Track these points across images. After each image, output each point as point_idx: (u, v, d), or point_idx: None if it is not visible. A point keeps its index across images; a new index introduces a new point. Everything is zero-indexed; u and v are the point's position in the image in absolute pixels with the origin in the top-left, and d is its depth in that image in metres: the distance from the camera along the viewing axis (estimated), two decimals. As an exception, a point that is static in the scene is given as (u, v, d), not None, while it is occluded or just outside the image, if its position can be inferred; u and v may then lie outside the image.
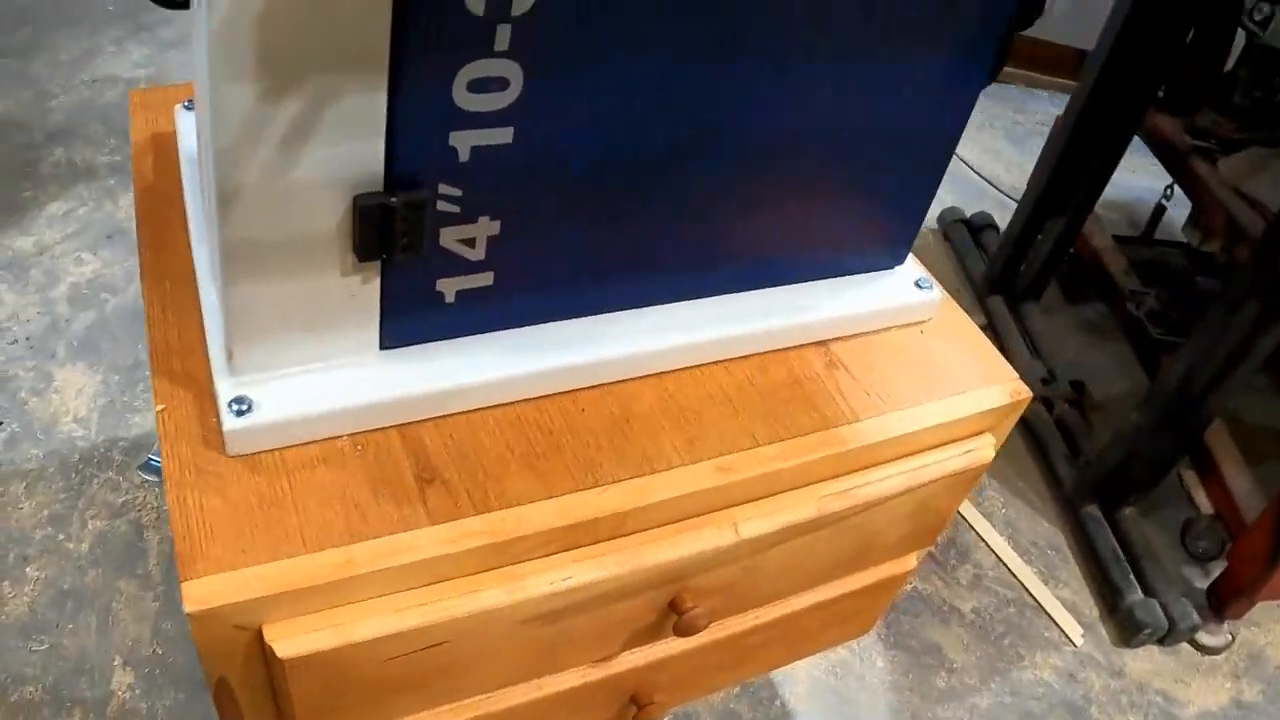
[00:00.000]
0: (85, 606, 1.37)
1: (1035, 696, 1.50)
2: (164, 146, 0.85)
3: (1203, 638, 1.61)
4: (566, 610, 0.68)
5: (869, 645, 1.50)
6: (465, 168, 0.58)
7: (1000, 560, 1.66)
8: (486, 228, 0.62)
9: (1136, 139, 1.87)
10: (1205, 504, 1.72)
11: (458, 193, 0.59)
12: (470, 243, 0.62)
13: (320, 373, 0.66)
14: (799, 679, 1.45)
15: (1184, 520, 1.73)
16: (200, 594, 0.57)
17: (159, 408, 0.66)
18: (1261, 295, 1.41)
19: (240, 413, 0.63)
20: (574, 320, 0.72)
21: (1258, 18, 1.69)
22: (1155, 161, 1.96)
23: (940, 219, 2.32)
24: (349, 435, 0.66)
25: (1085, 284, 2.13)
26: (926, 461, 0.79)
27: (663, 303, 0.75)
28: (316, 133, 0.53)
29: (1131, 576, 1.62)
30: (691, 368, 0.75)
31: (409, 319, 0.66)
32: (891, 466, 0.77)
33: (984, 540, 1.69)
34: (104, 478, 1.52)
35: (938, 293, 0.85)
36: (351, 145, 0.54)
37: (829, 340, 0.81)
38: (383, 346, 0.67)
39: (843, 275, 0.82)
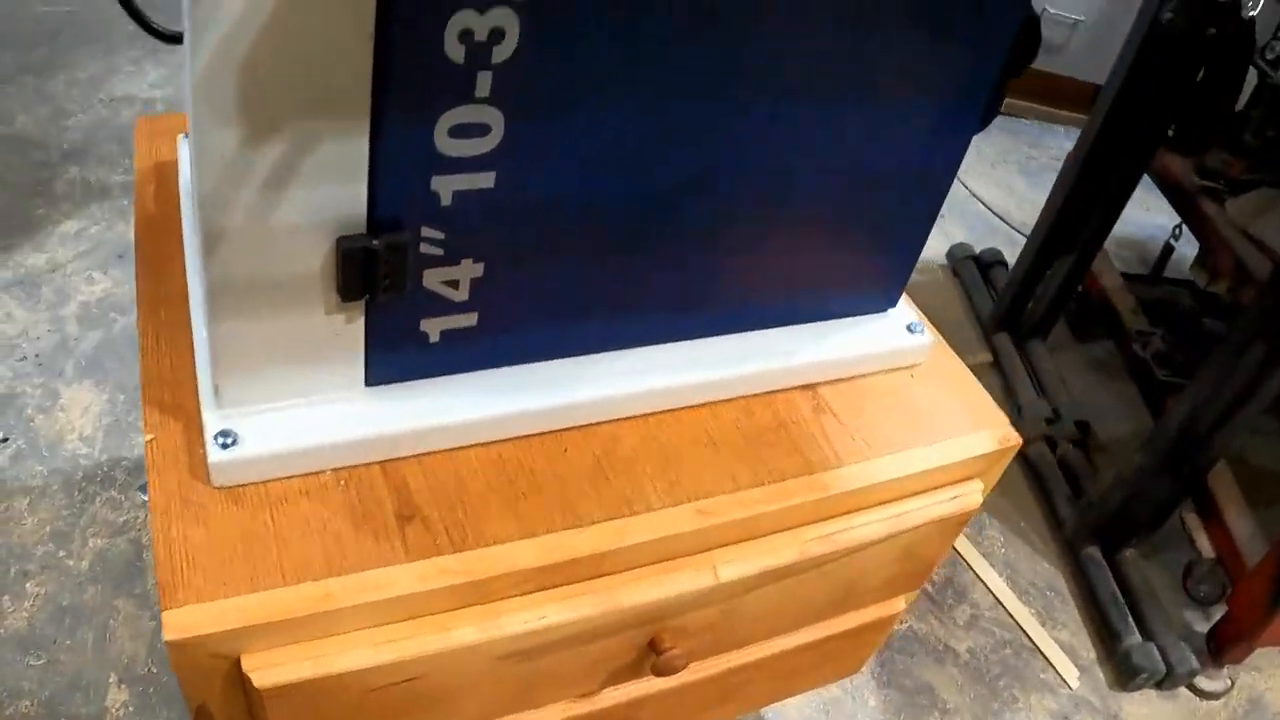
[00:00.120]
0: (83, 623, 1.38)
1: (1030, 739, 1.49)
2: (166, 176, 0.86)
3: (1201, 683, 1.60)
4: (543, 648, 0.68)
5: (861, 683, 1.50)
6: (448, 211, 0.59)
7: (998, 600, 1.66)
8: (470, 270, 0.63)
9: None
10: (1207, 547, 1.71)
11: (440, 235, 0.60)
12: (454, 284, 0.63)
13: (306, 408, 0.66)
14: (789, 716, 1.44)
15: (1186, 563, 1.72)
16: (180, 623, 0.58)
17: (148, 437, 0.67)
18: (1268, 338, 1.41)
19: (225, 445, 0.64)
20: (559, 361, 0.72)
21: (1270, 56, 1.69)
22: (1167, 199, 1.96)
23: (949, 255, 2.32)
24: (333, 470, 0.67)
25: (1093, 322, 2.12)
26: (911, 507, 0.79)
27: (649, 344, 0.75)
28: (299, 177, 0.54)
29: (1130, 619, 1.61)
30: (676, 410, 0.76)
31: (394, 357, 0.66)
32: (875, 512, 0.77)
33: (981, 580, 1.68)
34: (106, 496, 1.53)
35: (929, 337, 0.86)
36: (334, 189, 0.55)
37: (817, 383, 0.81)
38: (368, 383, 0.67)
39: (832, 319, 0.83)
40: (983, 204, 2.50)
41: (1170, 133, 1.86)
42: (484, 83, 0.54)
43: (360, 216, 0.57)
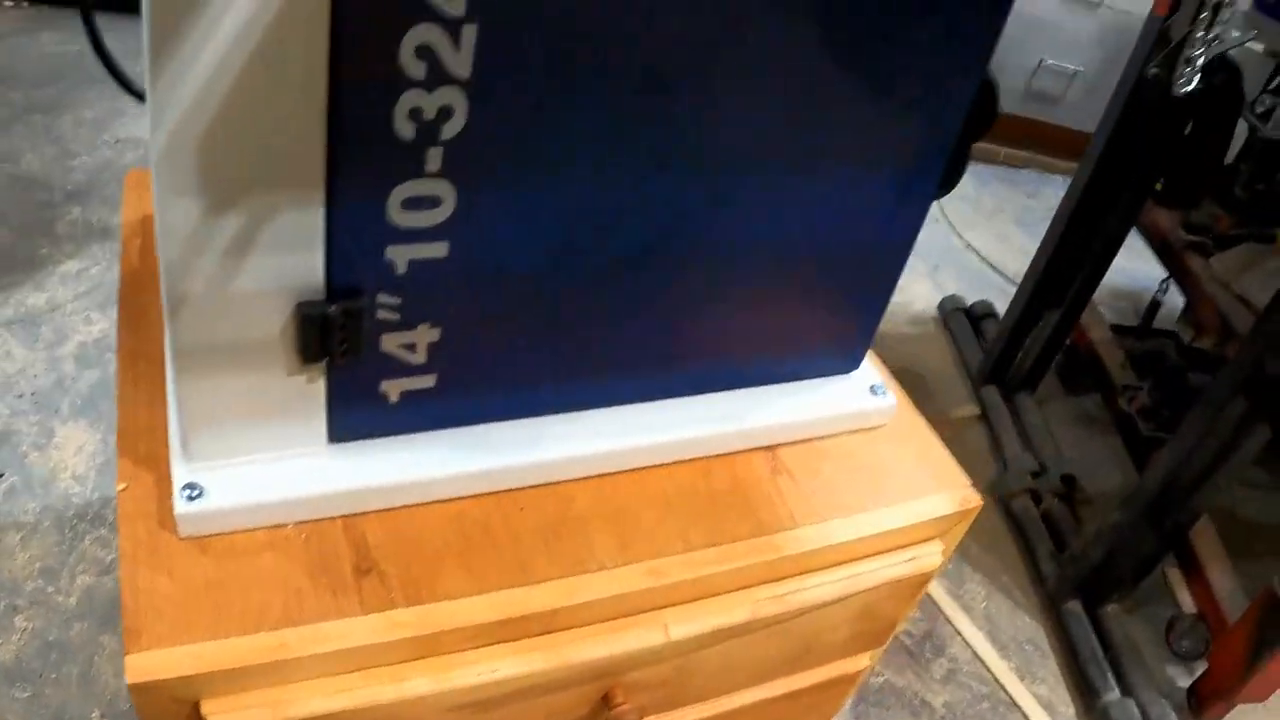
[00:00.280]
0: (69, 659, 1.40)
1: (1006, 794, 1.50)
2: (152, 230, 0.88)
3: (1181, 739, 1.60)
4: (495, 700, 0.69)
5: (838, 735, 1.50)
6: (403, 279, 0.61)
7: (976, 655, 1.66)
8: (427, 334, 0.65)
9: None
10: (1189, 602, 1.72)
11: (396, 301, 0.62)
12: (411, 348, 0.65)
13: (270, 463, 0.68)
14: (767, 766, 1.44)
15: (1168, 618, 1.73)
16: (141, 666, 0.59)
17: (120, 486, 0.69)
18: (1248, 394, 1.42)
19: (192, 498, 0.65)
20: (518, 421, 0.74)
21: (1259, 110, 1.71)
22: (1157, 251, 1.97)
23: (940, 306, 2.34)
24: (295, 523, 0.68)
25: (1082, 375, 2.13)
26: (866, 569, 0.80)
27: (608, 406, 0.77)
28: (258, 246, 0.56)
29: (1110, 675, 1.62)
30: (633, 470, 0.77)
31: (355, 416, 0.68)
32: (828, 573, 0.78)
33: (960, 634, 1.69)
34: (96, 534, 1.55)
35: (892, 398, 0.87)
36: (292, 258, 0.57)
37: (777, 445, 0.83)
38: (331, 440, 0.69)
39: (793, 380, 0.84)
40: (978, 255, 2.52)
41: (1158, 186, 1.88)
42: (434, 158, 0.56)
43: (318, 284, 0.59)
